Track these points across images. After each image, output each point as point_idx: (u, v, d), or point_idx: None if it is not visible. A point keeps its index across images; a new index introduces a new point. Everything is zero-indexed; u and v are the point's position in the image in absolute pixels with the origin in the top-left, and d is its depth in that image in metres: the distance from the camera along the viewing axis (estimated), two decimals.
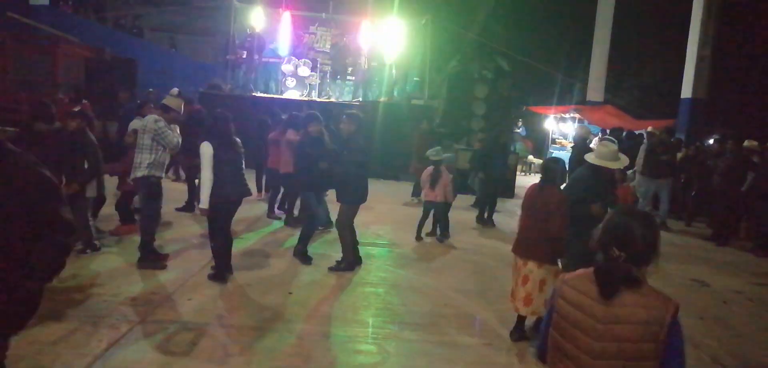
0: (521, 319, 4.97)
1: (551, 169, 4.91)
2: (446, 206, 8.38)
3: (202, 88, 15.19)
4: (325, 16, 16.41)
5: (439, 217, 8.46)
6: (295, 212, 8.58)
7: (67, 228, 2.45)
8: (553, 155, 12.51)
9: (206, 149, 5.51)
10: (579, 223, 5.25)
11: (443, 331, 5.05)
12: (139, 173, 5.97)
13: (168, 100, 6.25)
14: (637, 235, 2.05)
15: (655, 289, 2.08)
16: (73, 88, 14.97)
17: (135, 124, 6.80)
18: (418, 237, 8.32)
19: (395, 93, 15.81)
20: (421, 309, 5.54)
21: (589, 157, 5.21)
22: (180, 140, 6.14)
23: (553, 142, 19.84)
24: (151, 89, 15.57)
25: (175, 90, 6.39)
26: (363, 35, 16.10)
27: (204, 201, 5.54)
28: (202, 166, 5.50)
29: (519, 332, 4.96)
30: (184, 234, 7.59)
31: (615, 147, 5.08)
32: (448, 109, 17.20)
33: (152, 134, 5.95)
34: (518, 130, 18.77)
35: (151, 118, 6.07)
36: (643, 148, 11.36)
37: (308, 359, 4.30)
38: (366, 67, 16.05)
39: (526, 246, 4.84)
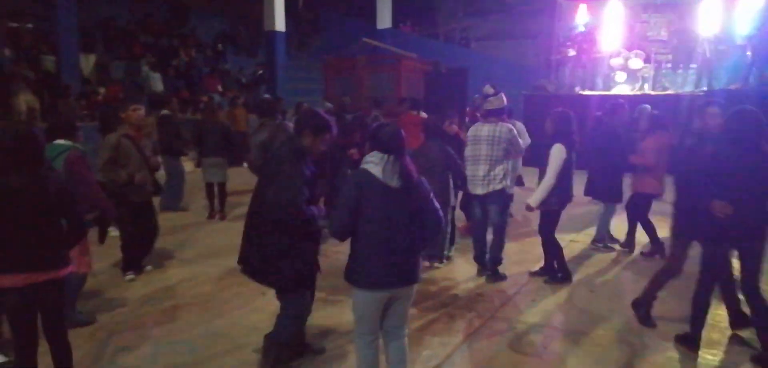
0: None
1: None
2: None
3: (525, 91, 15.36)
4: (661, 1, 14.91)
5: None
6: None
7: None
8: None
9: (558, 153, 5.32)
10: None
11: None
12: (497, 186, 5.65)
13: (489, 104, 5.65)
14: None
15: None
16: (412, 100, 16.79)
17: (480, 130, 5.90)
18: None
19: (750, 79, 13.41)
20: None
21: None
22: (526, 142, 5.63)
23: None
24: (476, 96, 16.37)
25: (489, 87, 5.73)
26: (706, 15, 14.07)
27: (535, 201, 5.44)
28: (549, 168, 5.34)
29: None
30: (522, 236, 7.69)
31: None
32: None
33: (506, 145, 5.58)
34: None
35: (505, 127, 5.65)
36: None
37: None
38: (710, 52, 14.00)
39: None
